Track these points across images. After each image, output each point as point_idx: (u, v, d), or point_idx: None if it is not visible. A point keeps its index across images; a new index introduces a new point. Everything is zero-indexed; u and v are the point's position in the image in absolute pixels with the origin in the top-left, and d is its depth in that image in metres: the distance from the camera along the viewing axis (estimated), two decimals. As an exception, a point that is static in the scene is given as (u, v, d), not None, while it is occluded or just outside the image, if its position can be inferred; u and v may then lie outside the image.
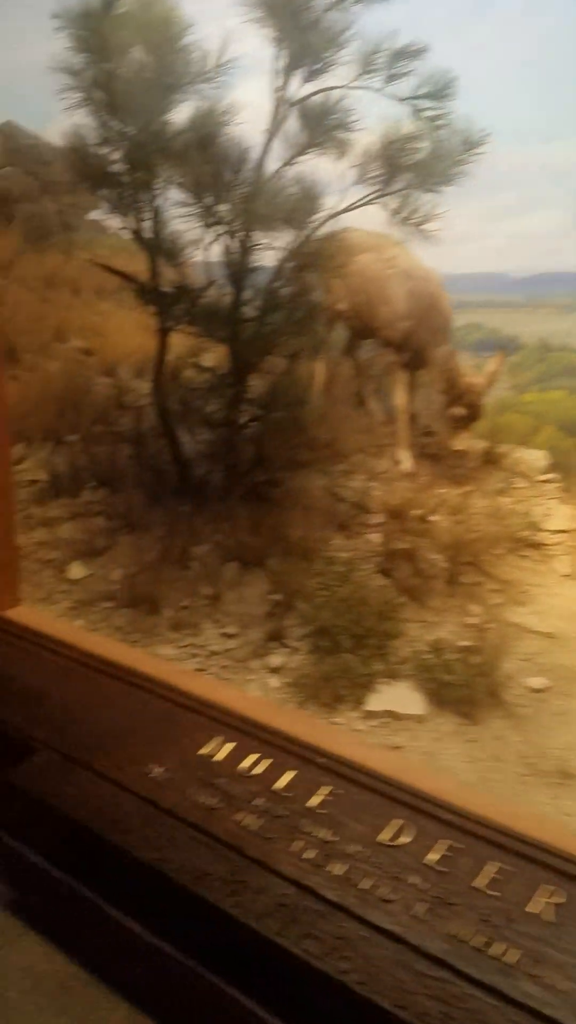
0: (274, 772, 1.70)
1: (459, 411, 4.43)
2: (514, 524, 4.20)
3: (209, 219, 3.81)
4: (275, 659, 3.28)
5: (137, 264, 4.55)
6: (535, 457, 5.16)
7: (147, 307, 4.14)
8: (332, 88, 3.72)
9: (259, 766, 1.75)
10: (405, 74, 3.74)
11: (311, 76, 3.76)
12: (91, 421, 5.12)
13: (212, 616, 3.61)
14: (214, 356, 4.15)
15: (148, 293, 4.09)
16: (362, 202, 3.96)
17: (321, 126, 3.68)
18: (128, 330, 5.47)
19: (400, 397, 4.73)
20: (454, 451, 4.54)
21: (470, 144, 3.76)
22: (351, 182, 3.90)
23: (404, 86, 3.78)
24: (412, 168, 3.93)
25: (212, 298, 3.97)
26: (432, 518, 4.10)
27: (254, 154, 3.61)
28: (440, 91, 3.77)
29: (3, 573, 2.73)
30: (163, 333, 4.06)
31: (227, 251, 3.93)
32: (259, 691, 3.13)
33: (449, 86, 3.73)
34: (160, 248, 3.89)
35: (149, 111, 3.58)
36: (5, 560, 2.72)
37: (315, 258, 3.64)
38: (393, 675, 3.11)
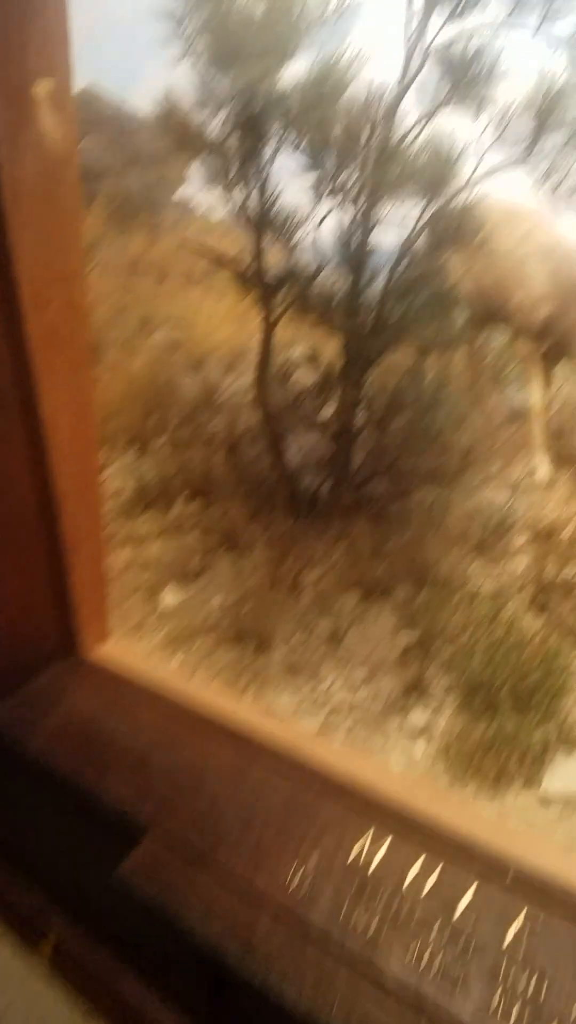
0: (450, 887, 1.24)
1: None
2: None
3: (330, 188, 3.31)
4: (417, 717, 2.78)
5: (228, 246, 4.08)
6: None
7: (250, 294, 3.66)
8: (477, 29, 3.15)
9: (428, 877, 1.27)
10: (564, 13, 3.15)
11: (452, 16, 3.20)
12: (179, 423, 4.69)
13: (333, 657, 3.13)
14: (327, 350, 3.64)
15: (252, 277, 3.61)
16: (505, 165, 3.39)
17: (464, 75, 3.12)
18: (218, 320, 5.02)
19: (537, 393, 4.15)
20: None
21: None
22: (492, 142, 3.33)
23: (563, 27, 3.20)
24: (567, 126, 3.35)
25: (328, 282, 3.46)
26: (587, 540, 3.52)
27: (384, 110, 3.07)
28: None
29: (91, 601, 2.32)
30: (269, 324, 3.57)
31: (348, 226, 3.42)
32: (402, 762, 2.63)
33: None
34: (269, 224, 3.39)
35: (262, 63, 3.09)
36: (93, 585, 2.31)
37: (453, 233, 3.09)
38: (573, 744, 2.57)
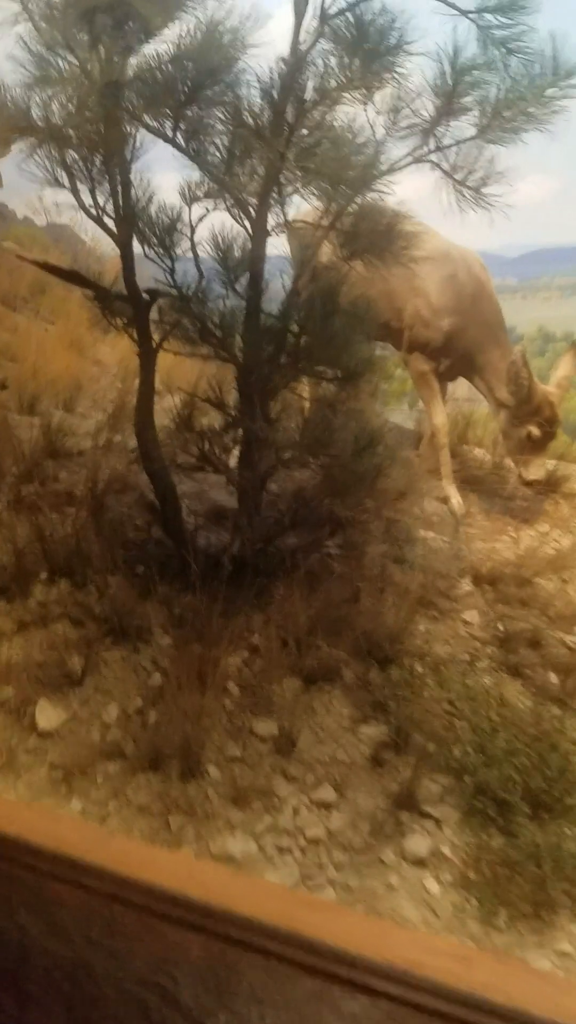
0: None
1: (535, 431, 3.56)
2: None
3: (208, 186, 2.74)
4: (416, 842, 2.26)
5: (56, 259, 3.40)
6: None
7: (114, 318, 3.01)
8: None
9: None
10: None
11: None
12: (17, 479, 3.88)
13: (286, 771, 2.54)
14: (223, 382, 3.05)
15: (113, 299, 2.96)
16: (408, 158, 2.99)
17: (364, 50, 2.67)
18: (51, 350, 4.25)
19: (440, 416, 3.81)
20: (528, 482, 3.67)
21: (558, 77, 2.87)
22: (394, 131, 2.93)
23: (468, -4, 2.86)
24: (476, 111, 3.02)
25: (216, 301, 2.89)
26: (535, 579, 3.20)
27: (277, 91, 2.56)
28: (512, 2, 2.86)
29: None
30: (148, 353, 2.93)
31: (229, 234, 2.87)
32: (417, 908, 2.10)
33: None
34: (136, 231, 2.77)
35: (123, 31, 2.47)
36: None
37: (370, 240, 2.64)
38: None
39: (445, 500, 3.75)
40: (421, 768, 2.42)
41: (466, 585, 3.14)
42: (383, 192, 2.48)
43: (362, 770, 2.51)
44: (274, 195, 2.50)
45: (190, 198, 2.90)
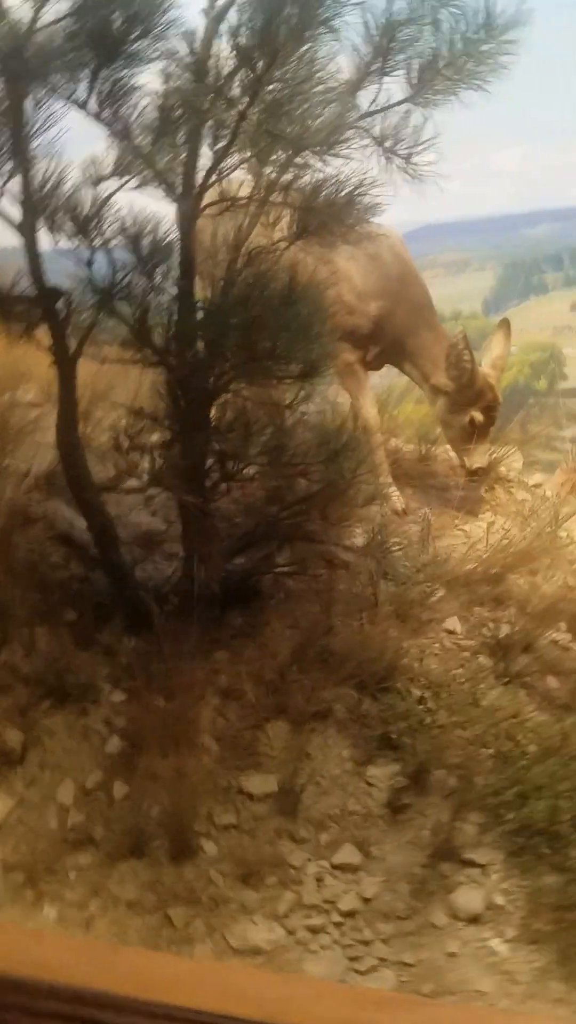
0: None
1: (478, 416, 3.43)
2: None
3: (127, 161, 2.37)
4: (467, 897, 2.04)
5: None
6: (512, 459, 4.34)
7: (15, 323, 2.57)
8: None
9: None
10: None
11: None
12: None
13: (293, 833, 2.25)
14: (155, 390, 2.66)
15: (14, 301, 2.53)
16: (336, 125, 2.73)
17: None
18: None
19: (371, 409, 3.60)
20: (473, 471, 3.54)
21: (495, 30, 2.70)
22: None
23: None
24: (404, 70, 2.81)
25: (141, 296, 2.52)
26: (506, 575, 3.06)
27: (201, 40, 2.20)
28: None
29: None
30: (63, 363, 2.52)
31: (147, 217, 2.51)
32: (489, 974, 1.87)
33: None
34: (46, 219, 2.35)
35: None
36: None
37: (329, 215, 2.37)
38: None
39: (384, 499, 3.54)
40: (446, 809, 2.20)
41: (438, 591, 2.95)
42: (345, 157, 2.20)
43: (382, 820, 2.26)
44: (220, 167, 2.16)
45: (95, 177, 2.50)
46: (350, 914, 2.03)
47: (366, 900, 2.06)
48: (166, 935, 2.04)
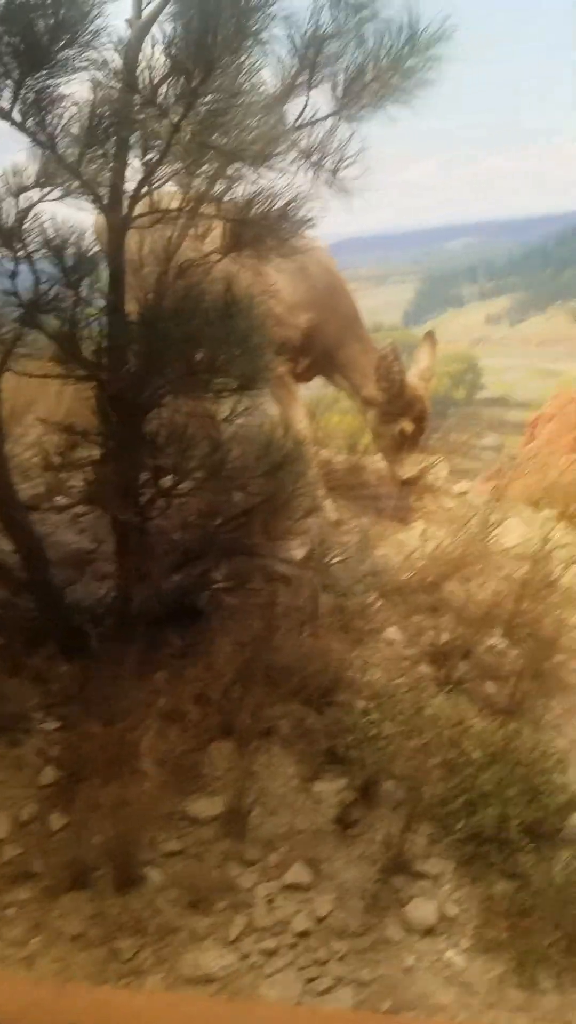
0: None
1: (408, 427, 3.48)
2: (515, 562, 3.41)
3: (54, 166, 2.32)
4: (420, 909, 2.04)
5: None
6: (438, 468, 4.43)
7: None
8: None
9: None
10: None
11: None
12: None
13: (242, 855, 2.22)
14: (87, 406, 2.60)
15: None
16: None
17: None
18: None
19: (301, 418, 3.62)
20: (404, 481, 3.58)
21: (419, 45, 2.75)
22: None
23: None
24: (334, 83, 2.86)
25: (65, 309, 2.47)
26: (445, 584, 3.11)
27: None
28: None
29: None
30: (-11, 376, 2.45)
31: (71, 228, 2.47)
32: (447, 987, 1.88)
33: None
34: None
35: None
36: None
37: (263, 228, 2.37)
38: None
39: (319, 511, 3.55)
40: (394, 819, 2.21)
41: (376, 602, 2.97)
42: (278, 170, 2.20)
43: (331, 836, 2.24)
44: (151, 178, 2.13)
45: (18, 187, 2.44)
46: (304, 934, 2.00)
47: (319, 919, 2.03)
48: (114, 969, 1.98)
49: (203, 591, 2.86)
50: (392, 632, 2.89)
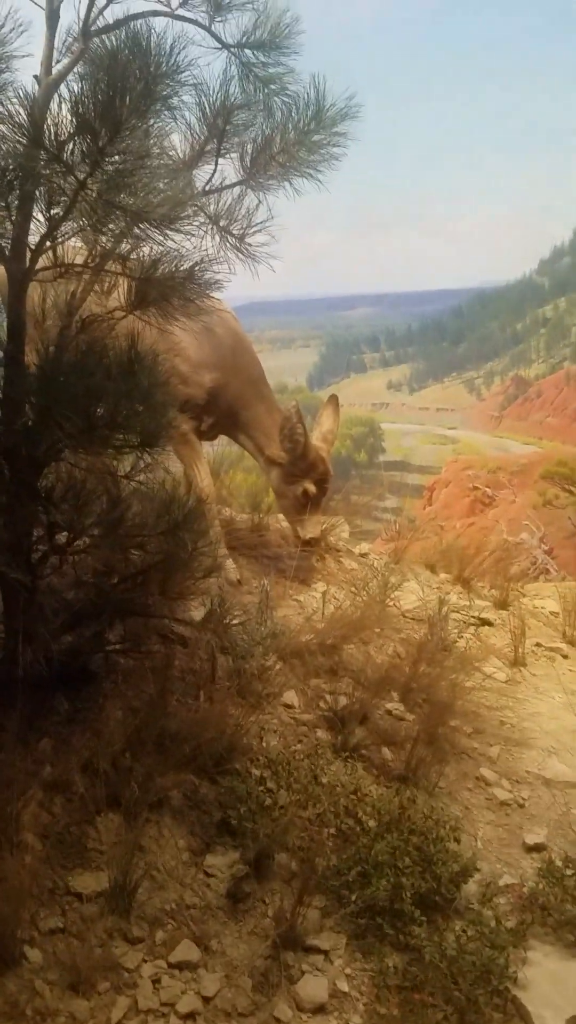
0: None
1: (311, 488, 3.52)
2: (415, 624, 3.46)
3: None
4: (311, 987, 1.99)
5: None
6: (339, 529, 4.51)
7: None
8: (138, 17, 2.48)
9: None
10: (233, 5, 2.71)
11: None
12: None
13: (127, 933, 2.11)
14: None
15: None
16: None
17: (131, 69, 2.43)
18: None
19: (206, 478, 3.61)
20: (307, 541, 3.61)
21: (325, 120, 2.88)
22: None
23: (233, 27, 2.76)
24: (242, 153, 2.96)
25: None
26: (345, 646, 3.12)
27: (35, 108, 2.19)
28: (276, 38, 2.82)
29: None
30: None
31: None
32: (337, 1071, 1.82)
33: (289, 30, 2.79)
34: None
35: None
36: None
37: (169, 288, 2.39)
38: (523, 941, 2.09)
39: (220, 570, 3.53)
40: (285, 891, 2.15)
41: (275, 664, 2.95)
42: (185, 233, 2.23)
43: (222, 911, 2.17)
44: (55, 232, 2.12)
45: None
46: (190, 1015, 1.91)
47: (207, 999, 1.95)
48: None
49: (96, 653, 2.77)
50: (290, 696, 2.86)
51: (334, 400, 3.85)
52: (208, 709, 2.58)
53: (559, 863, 2.36)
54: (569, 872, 2.31)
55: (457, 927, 2.08)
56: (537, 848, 2.57)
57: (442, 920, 2.12)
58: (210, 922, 2.14)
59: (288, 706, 2.83)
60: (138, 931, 2.11)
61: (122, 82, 1.82)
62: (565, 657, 3.90)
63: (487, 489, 20.89)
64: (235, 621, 2.88)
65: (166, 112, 2.37)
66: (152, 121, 2.01)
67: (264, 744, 2.61)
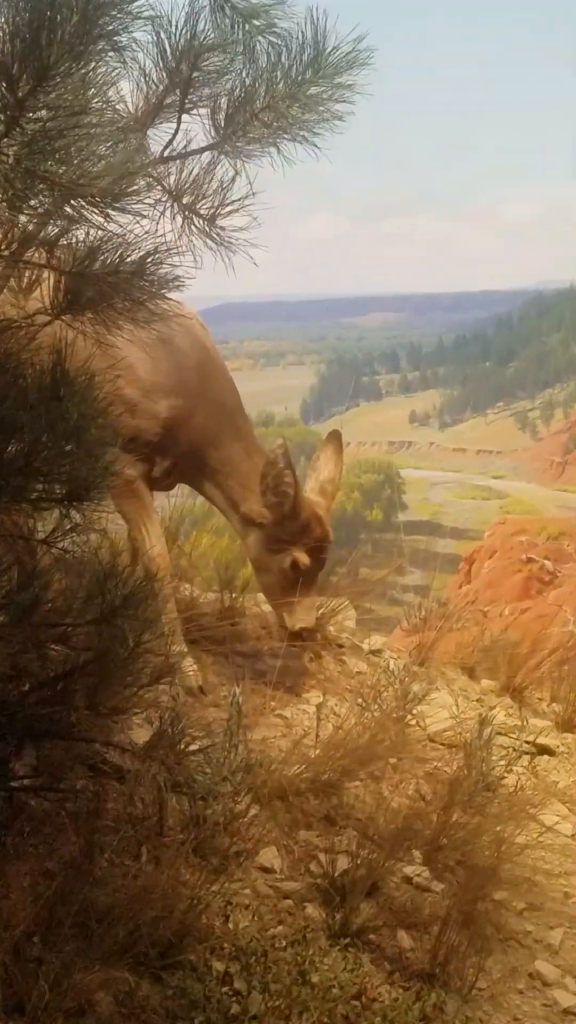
0: None
1: (303, 558, 3.52)
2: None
3: None
4: None
5: None
6: (343, 615, 4.52)
7: None
8: None
9: None
10: None
11: None
12: None
13: None
14: None
15: None
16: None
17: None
18: None
19: (158, 542, 3.60)
20: (295, 632, 3.62)
21: (326, 69, 2.94)
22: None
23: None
24: (213, 108, 3.03)
25: None
26: (348, 784, 3.08)
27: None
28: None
29: None
30: None
31: None
32: None
33: None
34: None
35: None
36: None
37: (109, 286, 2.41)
38: None
39: (176, 673, 3.50)
40: None
41: (249, 808, 2.90)
42: (134, 213, 2.25)
43: None
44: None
45: None
46: None
47: None
48: None
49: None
50: (270, 856, 2.83)
51: (336, 437, 3.87)
52: (152, 874, 2.54)
53: None
54: None
55: None
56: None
57: None
58: None
59: (266, 870, 2.80)
60: None
61: (51, 11, 1.84)
62: None
63: (546, 562, 21.07)
64: (193, 747, 2.84)
65: (111, 53, 2.43)
66: (92, 65, 2.02)
67: (231, 926, 2.55)
